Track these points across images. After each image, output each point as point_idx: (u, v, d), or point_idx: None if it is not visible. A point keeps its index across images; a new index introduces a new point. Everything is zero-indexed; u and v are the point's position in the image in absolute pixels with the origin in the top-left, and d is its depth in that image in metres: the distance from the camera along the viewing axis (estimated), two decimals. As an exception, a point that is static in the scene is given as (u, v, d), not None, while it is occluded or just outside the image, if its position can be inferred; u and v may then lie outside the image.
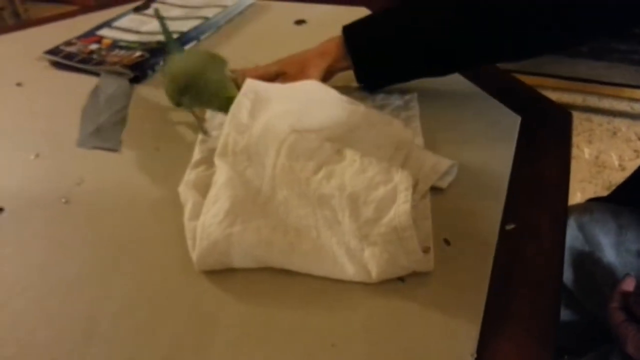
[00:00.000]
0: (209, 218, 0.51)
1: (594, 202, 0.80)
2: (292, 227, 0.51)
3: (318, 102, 0.67)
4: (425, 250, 0.50)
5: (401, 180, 0.49)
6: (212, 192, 0.54)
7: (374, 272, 0.48)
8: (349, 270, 0.49)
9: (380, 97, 0.74)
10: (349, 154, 0.54)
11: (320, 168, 0.52)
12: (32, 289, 0.51)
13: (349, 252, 0.49)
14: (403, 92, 0.74)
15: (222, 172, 0.56)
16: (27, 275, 0.52)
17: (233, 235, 0.50)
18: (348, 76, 0.79)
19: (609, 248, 0.73)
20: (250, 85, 0.68)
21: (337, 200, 0.50)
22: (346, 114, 0.63)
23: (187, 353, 0.45)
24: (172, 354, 0.45)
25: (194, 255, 0.51)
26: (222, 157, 0.58)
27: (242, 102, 0.63)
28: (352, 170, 0.51)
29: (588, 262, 0.73)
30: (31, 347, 0.46)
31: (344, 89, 0.75)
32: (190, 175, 0.60)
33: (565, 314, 0.74)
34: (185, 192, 0.57)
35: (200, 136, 0.67)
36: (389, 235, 0.47)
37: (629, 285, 0.57)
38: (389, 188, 0.49)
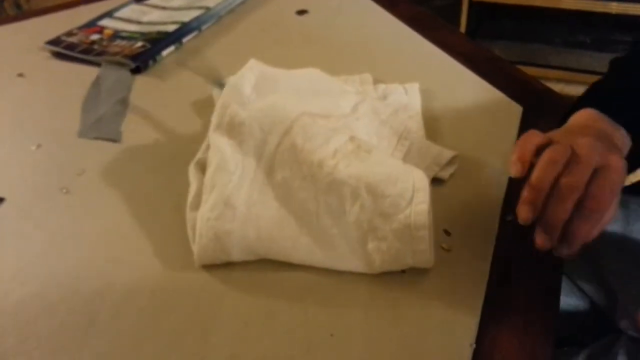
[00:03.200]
0: (207, 212, 0.51)
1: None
2: (291, 216, 0.50)
3: (323, 91, 0.67)
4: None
5: (418, 179, 0.49)
6: (208, 175, 0.53)
7: (377, 265, 0.48)
8: (350, 262, 0.49)
9: (382, 87, 0.74)
10: (363, 144, 0.53)
11: (335, 154, 0.51)
12: (33, 279, 0.51)
13: (350, 245, 0.49)
14: (405, 82, 0.74)
15: (216, 150, 0.54)
16: (28, 266, 0.52)
17: (232, 233, 0.50)
18: (351, 67, 0.79)
19: (615, 238, 0.72)
20: (255, 63, 0.66)
21: (349, 189, 0.49)
22: (351, 104, 0.63)
23: (187, 344, 0.45)
24: (172, 344, 0.45)
25: (194, 251, 0.51)
26: (217, 130, 0.56)
27: (247, 75, 0.62)
28: (371, 162, 0.51)
29: (595, 252, 0.73)
30: (32, 337, 0.46)
31: (344, 81, 0.75)
32: (200, 154, 0.59)
33: (568, 304, 0.74)
34: (193, 174, 0.56)
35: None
36: (401, 232, 0.47)
37: None
38: (407, 186, 0.48)
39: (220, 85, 0.66)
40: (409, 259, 0.48)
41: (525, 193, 0.44)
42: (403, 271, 0.49)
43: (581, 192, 0.42)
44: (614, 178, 0.43)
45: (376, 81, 0.75)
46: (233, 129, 0.55)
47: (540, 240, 0.45)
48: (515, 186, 0.58)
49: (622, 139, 0.50)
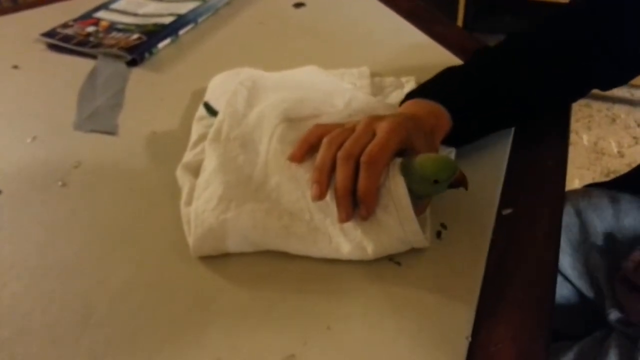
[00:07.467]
0: (201, 204, 0.51)
1: (592, 188, 0.80)
2: (285, 211, 0.51)
3: (317, 88, 0.67)
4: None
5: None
6: (202, 178, 0.55)
7: (370, 248, 0.48)
8: (344, 249, 0.49)
9: (377, 80, 0.74)
10: None
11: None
12: (29, 272, 0.51)
13: (343, 231, 0.49)
14: (402, 75, 0.74)
15: (212, 159, 0.56)
16: (24, 258, 0.52)
17: (227, 221, 0.50)
18: (348, 60, 0.79)
19: (605, 234, 0.73)
20: (248, 73, 0.68)
21: None
22: (346, 100, 0.63)
23: (184, 337, 0.45)
24: (169, 337, 0.45)
25: (190, 242, 0.51)
26: (214, 143, 0.58)
27: (239, 90, 0.64)
28: None
29: (585, 247, 0.73)
30: (28, 330, 0.46)
31: (341, 75, 0.75)
32: (188, 156, 0.60)
33: (560, 296, 0.75)
34: (182, 176, 0.57)
35: (197, 113, 0.67)
36: (384, 199, 0.48)
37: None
38: None
39: (206, 106, 0.69)
40: (399, 231, 0.48)
41: (313, 174, 0.49)
42: (398, 263, 0.50)
43: (356, 158, 0.48)
44: (380, 137, 0.48)
45: (373, 74, 0.75)
46: (228, 144, 0.57)
47: (340, 215, 0.48)
48: (513, 180, 0.58)
49: (442, 115, 0.57)
